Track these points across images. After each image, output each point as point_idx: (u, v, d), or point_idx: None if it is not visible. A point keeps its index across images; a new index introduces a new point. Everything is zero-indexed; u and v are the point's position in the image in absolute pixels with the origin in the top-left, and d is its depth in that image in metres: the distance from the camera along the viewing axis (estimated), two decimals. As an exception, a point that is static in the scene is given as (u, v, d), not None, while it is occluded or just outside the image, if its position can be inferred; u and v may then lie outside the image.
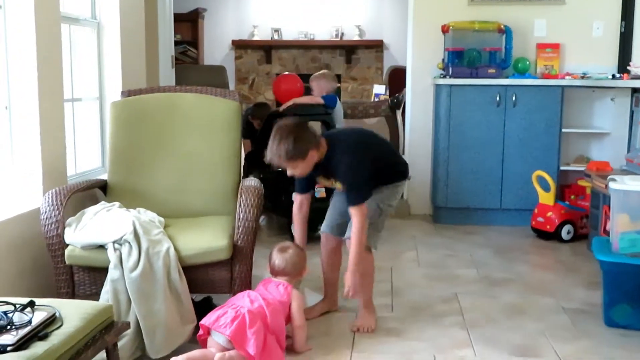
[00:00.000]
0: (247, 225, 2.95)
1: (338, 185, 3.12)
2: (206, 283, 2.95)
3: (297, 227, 3.29)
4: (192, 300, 2.91)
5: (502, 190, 5.24)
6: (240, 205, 2.98)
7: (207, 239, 2.92)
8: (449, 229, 5.23)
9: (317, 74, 5.26)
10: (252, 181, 3.21)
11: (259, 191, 3.06)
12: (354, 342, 3.02)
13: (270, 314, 2.78)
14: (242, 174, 3.55)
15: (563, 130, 5.19)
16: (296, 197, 3.29)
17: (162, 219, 3.09)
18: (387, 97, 7.15)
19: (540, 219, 4.93)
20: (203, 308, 3.12)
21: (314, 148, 2.98)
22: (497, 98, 5.14)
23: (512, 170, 5.20)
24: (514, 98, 5.13)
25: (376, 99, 7.36)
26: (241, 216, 2.96)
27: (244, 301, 2.80)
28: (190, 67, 9.30)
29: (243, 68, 10.63)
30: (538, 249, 4.76)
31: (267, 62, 10.54)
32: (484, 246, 4.73)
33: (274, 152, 2.94)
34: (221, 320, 2.69)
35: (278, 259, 3.04)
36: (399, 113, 6.32)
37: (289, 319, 2.93)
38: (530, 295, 3.70)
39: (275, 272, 3.04)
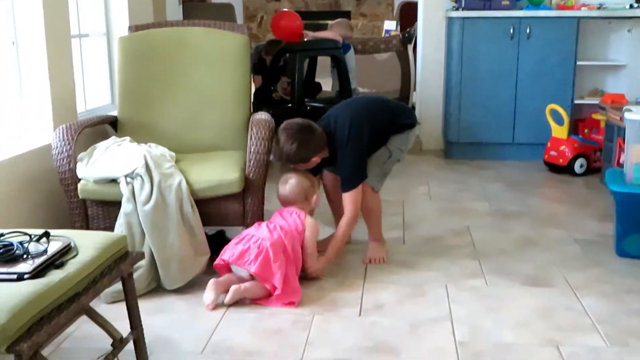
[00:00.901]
0: (258, 159, 2.96)
1: None
2: (219, 216, 2.97)
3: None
4: (205, 233, 2.94)
5: (514, 125, 5.20)
6: (251, 139, 2.98)
7: (219, 173, 2.93)
8: (461, 164, 5.22)
9: (335, 21, 5.34)
10: (262, 115, 3.20)
11: (269, 124, 3.06)
12: (366, 274, 3.05)
13: (289, 243, 2.82)
14: (252, 109, 3.54)
15: (578, 63, 5.11)
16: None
17: (173, 154, 3.10)
18: (398, 33, 7.05)
19: (553, 152, 4.91)
20: (216, 241, 3.16)
21: (317, 153, 3.01)
22: (511, 30, 5.05)
23: (525, 104, 5.15)
24: (528, 30, 5.05)
25: (387, 35, 7.27)
26: (252, 149, 2.97)
27: (262, 232, 2.82)
28: (198, 5, 9.17)
29: (251, 6, 10.51)
30: (550, 182, 4.76)
31: (275, -1, 10.41)
32: (496, 180, 4.73)
33: (278, 152, 2.99)
34: (245, 257, 2.73)
35: (281, 189, 3.07)
36: (410, 48, 6.24)
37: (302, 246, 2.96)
38: (542, 227, 3.72)
39: (283, 203, 3.07)
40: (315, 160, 3.03)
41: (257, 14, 10.56)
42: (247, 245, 2.77)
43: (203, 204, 2.89)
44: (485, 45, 5.11)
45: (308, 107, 4.86)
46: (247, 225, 2.97)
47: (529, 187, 4.58)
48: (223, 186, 2.90)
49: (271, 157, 3.03)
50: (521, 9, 5.17)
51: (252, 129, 3.02)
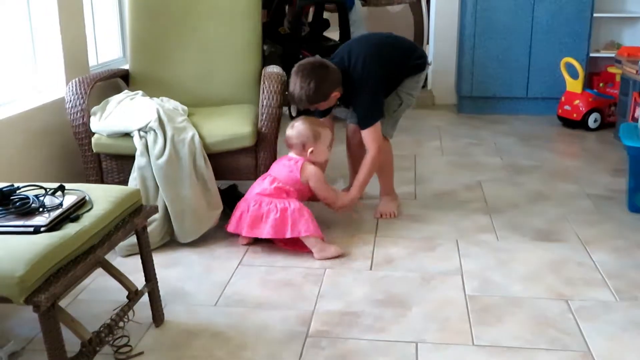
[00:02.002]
0: (270, 112, 2.96)
1: None
2: (231, 170, 2.99)
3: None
4: (218, 187, 2.96)
5: (529, 78, 5.16)
6: (263, 92, 2.98)
7: (231, 126, 2.94)
8: (473, 118, 5.20)
9: None
10: (274, 68, 3.19)
11: (281, 77, 3.05)
12: (378, 227, 3.08)
13: (288, 190, 2.85)
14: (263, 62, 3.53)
15: (594, 14, 5.05)
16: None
17: (185, 108, 3.10)
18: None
19: (567, 107, 4.88)
20: (229, 195, 3.18)
21: (336, 88, 2.94)
22: (527, -18, 4.98)
23: (540, 57, 5.10)
24: (544, -19, 4.97)
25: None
26: (264, 103, 2.96)
27: (263, 185, 2.86)
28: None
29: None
30: (564, 137, 4.74)
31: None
32: (509, 135, 4.71)
33: (296, 95, 2.90)
34: (256, 225, 2.77)
35: (287, 131, 3.02)
36: (424, 2, 6.16)
37: (312, 194, 2.97)
38: (554, 182, 3.72)
39: (288, 144, 3.02)
40: (335, 95, 2.95)
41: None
42: (253, 213, 2.79)
43: (216, 157, 2.91)
44: (500, -2, 5.05)
45: (300, 55, 4.91)
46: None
47: (542, 141, 4.57)
48: (235, 140, 2.91)
49: (291, 107, 3.00)
50: (538, -41, 5.09)
51: (264, 83, 3.01)
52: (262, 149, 2.98)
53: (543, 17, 5.04)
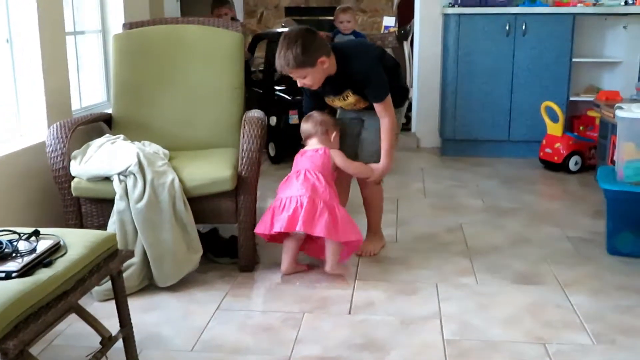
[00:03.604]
0: (251, 156, 2.97)
1: (349, 99, 3.08)
2: (212, 214, 2.98)
3: None
4: (198, 230, 2.95)
5: (510, 122, 5.21)
6: (243, 137, 2.99)
7: (212, 170, 2.94)
8: (456, 160, 5.24)
9: (347, 6, 5.36)
10: (255, 112, 3.21)
11: (262, 122, 3.07)
12: (358, 270, 3.07)
13: (323, 184, 2.92)
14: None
15: (574, 59, 5.12)
16: None
17: (166, 151, 3.10)
18: (396, 29, 7.05)
19: (548, 150, 4.92)
20: (209, 239, 3.18)
21: (324, 55, 2.90)
22: (507, 27, 5.06)
23: (521, 101, 5.16)
24: (523, 27, 5.05)
25: (385, 32, 7.27)
26: (245, 147, 2.97)
27: (294, 189, 2.91)
28: (197, 0, 9.16)
29: (251, 1, 10.48)
30: (545, 179, 4.77)
31: (275, -6, 10.41)
32: (491, 177, 4.75)
33: (281, 60, 2.89)
34: (294, 222, 2.84)
35: (303, 125, 3.12)
36: (406, 45, 6.25)
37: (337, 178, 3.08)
38: (535, 224, 3.73)
39: (305, 137, 3.11)
40: (323, 61, 2.89)
41: (257, 9, 10.53)
42: (290, 209, 2.86)
43: (196, 201, 2.90)
44: (481, 42, 5.12)
45: (276, 97, 5.07)
46: (239, 222, 2.98)
47: (524, 184, 4.59)
48: (216, 184, 2.91)
49: (277, 68, 2.97)
50: (517, 5, 5.18)
51: (244, 127, 3.03)
52: (243, 192, 2.98)
53: (524, 61, 5.11)
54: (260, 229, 2.95)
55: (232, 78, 3.49)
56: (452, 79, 5.21)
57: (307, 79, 2.94)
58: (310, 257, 3.12)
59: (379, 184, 3.24)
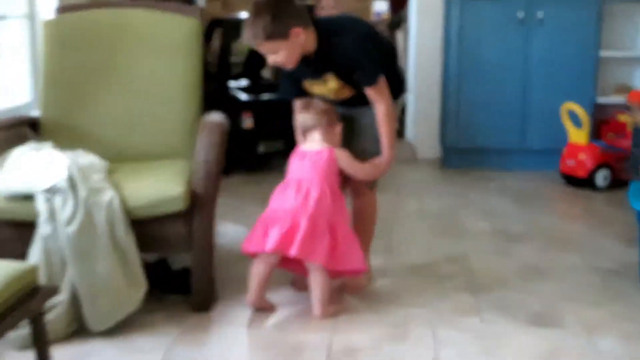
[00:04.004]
0: (208, 169, 2.93)
1: (331, 84, 3.05)
2: (159, 240, 2.94)
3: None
4: (143, 261, 2.90)
5: (524, 128, 5.23)
6: (200, 145, 2.95)
7: (160, 187, 2.90)
8: (460, 174, 5.24)
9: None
10: (215, 116, 3.18)
11: (223, 127, 3.04)
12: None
13: (327, 198, 2.94)
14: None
15: (601, 53, 5.15)
16: (295, 104, 3.24)
17: (105, 163, 3.07)
18: (388, 16, 7.07)
19: (570, 162, 4.91)
20: (156, 271, 3.14)
21: (299, 25, 2.87)
22: (520, 14, 5.08)
23: (538, 102, 5.18)
24: (540, 14, 5.07)
25: (377, 18, 7.28)
26: (201, 158, 2.93)
27: (290, 202, 2.91)
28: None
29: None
30: (567, 197, 4.78)
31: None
32: (501, 194, 4.75)
33: (248, 30, 2.86)
34: (287, 240, 2.85)
35: (301, 116, 3.09)
36: (399, 35, 6.26)
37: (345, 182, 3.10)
38: (553, 252, 3.72)
39: (303, 131, 3.08)
40: (298, 33, 2.85)
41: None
42: (285, 226, 2.85)
43: (140, 225, 2.86)
44: (490, 32, 5.16)
45: (229, 94, 5.20)
46: (193, 251, 2.93)
47: (541, 203, 4.60)
48: (165, 203, 2.86)
49: (244, 40, 2.93)
50: (533, -10, 5.20)
51: (201, 133, 2.99)
52: (197, 214, 2.93)
53: (541, 55, 5.13)
54: (251, 246, 2.94)
55: (187, 73, 3.47)
56: (454, 76, 5.22)
57: (280, 55, 2.90)
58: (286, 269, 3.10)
59: (372, 190, 3.23)
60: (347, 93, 3.09)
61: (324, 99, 3.11)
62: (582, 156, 4.86)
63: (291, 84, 3.18)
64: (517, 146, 5.28)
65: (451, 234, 4.00)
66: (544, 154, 5.25)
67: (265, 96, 5.38)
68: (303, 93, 3.17)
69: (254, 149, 5.14)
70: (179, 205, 2.87)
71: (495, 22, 5.14)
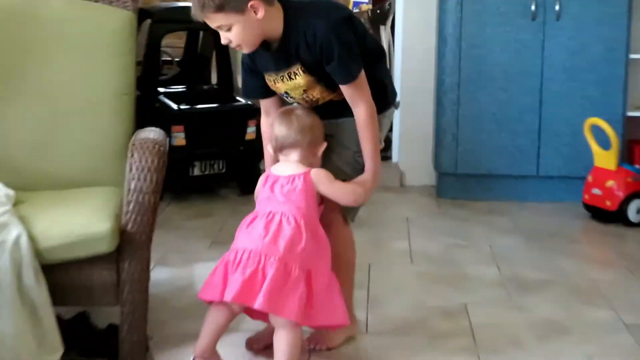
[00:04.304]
0: (140, 200, 2.91)
1: (298, 80, 3.05)
2: (79, 290, 2.92)
3: (268, 158, 3.27)
4: (59, 316, 2.88)
5: (539, 148, 5.26)
6: (130, 170, 2.94)
7: (80, 222, 2.88)
8: (459, 206, 5.27)
9: None
10: (150, 132, 3.16)
11: (160, 148, 3.02)
12: (307, 378, 3.03)
13: (305, 238, 2.91)
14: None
15: (631, 56, 5.21)
16: (262, 106, 3.26)
17: (11, 192, 3.05)
18: (370, 6, 7.10)
19: (596, 190, 4.95)
20: (75, 329, 3.11)
21: None
22: (533, 7, 5.13)
23: (555, 117, 5.23)
24: (557, 7, 5.13)
25: (355, 10, 7.32)
26: (132, 186, 2.92)
27: (256, 242, 2.89)
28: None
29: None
30: (593, 235, 4.83)
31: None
32: (510, 232, 4.78)
33: (197, 0, 2.87)
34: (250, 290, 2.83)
35: (279, 128, 3.05)
36: (384, 31, 6.29)
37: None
38: (576, 305, 3.75)
39: (280, 148, 3.05)
40: (255, 6, 2.87)
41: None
42: (248, 270, 2.84)
43: (55, 270, 2.83)
44: (495, 30, 5.21)
45: (157, 103, 5.30)
46: (121, 303, 2.91)
47: (560, 242, 4.63)
48: (86, 243, 2.84)
49: (192, 13, 2.93)
50: (548, -26, 5.26)
51: (132, 155, 2.98)
52: (128, 257, 2.92)
53: (558, 58, 5.18)
54: (208, 294, 2.94)
55: (116, 79, 3.48)
56: (451, 84, 5.25)
57: (233, 32, 2.93)
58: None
59: (347, 224, 3.23)
60: (318, 94, 3.10)
61: (309, 101, 3.13)
62: (611, 184, 4.90)
63: (254, 79, 3.19)
64: (531, 172, 5.31)
65: (448, 282, 4.01)
66: (563, 181, 5.30)
67: (203, 106, 5.43)
68: (272, 92, 3.18)
69: (186, 171, 5.15)
70: (105, 246, 2.85)
71: (503, 17, 5.18)
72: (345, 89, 3.02)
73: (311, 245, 2.92)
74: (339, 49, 2.95)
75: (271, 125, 3.16)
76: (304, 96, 3.11)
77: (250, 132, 5.32)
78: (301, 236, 2.91)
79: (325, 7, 3.06)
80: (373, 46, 3.24)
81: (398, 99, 3.38)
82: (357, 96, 3.02)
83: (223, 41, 2.97)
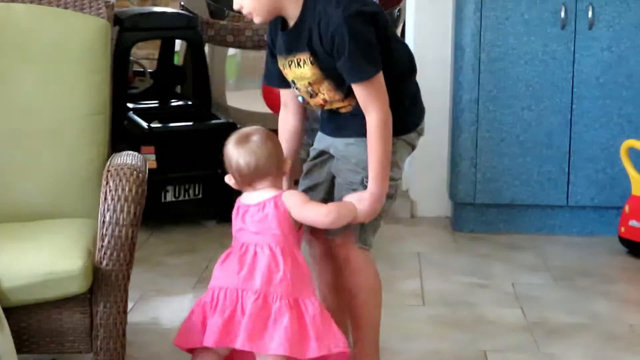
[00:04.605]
0: (117, 234, 2.94)
1: (304, 70, 3.08)
2: (48, 336, 2.95)
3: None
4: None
5: (569, 174, 5.25)
6: (105, 199, 2.97)
7: (48, 259, 2.91)
8: (477, 240, 5.27)
9: None
10: (127, 157, 3.19)
11: (138, 174, 3.05)
12: None
13: (283, 269, 2.95)
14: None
15: (676, 69, 5.23)
16: (281, 96, 3.32)
17: (-31, 225, 3.08)
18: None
19: (634, 222, 4.96)
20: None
21: None
22: (562, 13, 5.15)
23: (587, 138, 5.22)
24: (590, 13, 5.14)
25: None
26: (107, 218, 2.95)
27: (231, 279, 2.94)
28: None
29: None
30: (630, 273, 4.83)
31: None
32: (536, 269, 4.79)
33: None
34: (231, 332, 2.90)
35: (242, 155, 3.03)
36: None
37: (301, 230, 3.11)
38: (612, 353, 3.76)
39: (247, 180, 3.06)
40: None
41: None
42: (226, 311, 2.90)
43: (20, 314, 2.87)
44: (519, 40, 5.20)
45: (125, 121, 5.34)
46: (95, 351, 2.93)
47: (594, 281, 4.63)
48: (55, 283, 2.87)
49: None
50: (579, -23, 5.29)
51: (107, 183, 3.00)
52: (102, 298, 2.95)
53: (591, 72, 5.18)
54: (186, 341, 2.99)
55: (88, 96, 3.52)
56: (470, 102, 5.26)
57: (246, 2, 3.02)
58: None
59: (364, 247, 3.23)
60: (323, 91, 3.11)
61: (314, 99, 3.16)
62: (651, 215, 4.93)
63: (275, 65, 3.22)
64: (560, 202, 5.30)
65: (465, 327, 4.02)
66: (597, 212, 5.30)
67: (177, 124, 5.48)
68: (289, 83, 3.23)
69: (157, 197, 5.17)
70: (77, 286, 2.88)
71: (528, 25, 5.18)
72: (357, 90, 3.02)
73: (292, 272, 2.96)
74: (352, 43, 2.96)
75: (284, 120, 3.27)
76: (309, 89, 3.12)
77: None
78: (278, 265, 2.95)
79: (346, 24, 3.00)
80: (400, 56, 3.20)
81: (422, 124, 3.35)
82: (369, 100, 3.01)
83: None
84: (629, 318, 4.24)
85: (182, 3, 6.69)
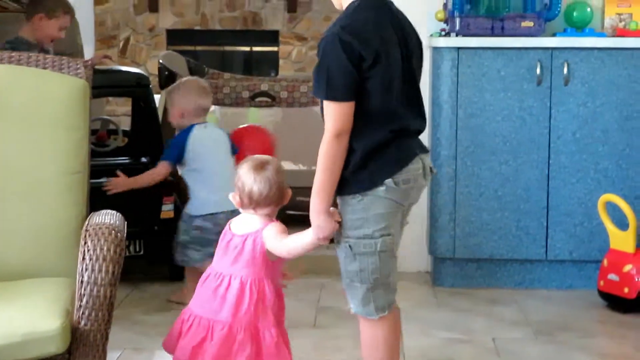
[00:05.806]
0: (95, 293, 2.92)
1: None
2: (25, 396, 2.92)
3: None
4: None
5: (547, 229, 5.27)
6: (83, 259, 2.96)
7: (25, 319, 2.89)
8: (457, 295, 5.28)
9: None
10: (105, 216, 3.19)
11: (117, 233, 3.04)
12: None
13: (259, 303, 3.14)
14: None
15: (651, 123, 5.25)
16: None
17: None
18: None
19: (612, 276, 4.96)
20: None
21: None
22: (538, 70, 5.19)
23: (565, 193, 5.25)
24: (565, 70, 5.19)
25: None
26: (85, 277, 2.93)
27: (203, 305, 3.15)
28: (14, 18, 9.19)
29: (109, 20, 10.61)
30: (609, 327, 4.83)
31: (150, 9, 10.55)
32: (516, 324, 4.79)
33: None
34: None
35: (257, 182, 3.18)
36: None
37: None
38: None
39: (252, 204, 3.19)
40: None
41: (118, 33, 10.66)
42: (198, 336, 3.15)
43: (-4, 374, 2.84)
44: (496, 96, 5.25)
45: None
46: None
47: (573, 336, 4.63)
48: (32, 344, 2.83)
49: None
50: (553, 34, 5.33)
51: (85, 242, 2.99)
52: (81, 358, 2.93)
53: (568, 127, 5.21)
54: (169, 346, 3.27)
55: (66, 156, 3.51)
56: (448, 157, 5.29)
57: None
58: None
59: (371, 321, 3.30)
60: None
61: None
62: (629, 268, 4.90)
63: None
64: (539, 256, 5.32)
65: (446, 383, 4.01)
66: (575, 266, 5.32)
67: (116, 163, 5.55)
68: None
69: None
70: (55, 347, 2.85)
71: (504, 82, 5.22)
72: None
73: (257, 304, 3.14)
74: (320, 60, 3.07)
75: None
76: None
77: (167, 210, 5.36)
78: (243, 298, 3.13)
79: (349, 18, 3.12)
80: (372, 102, 3.12)
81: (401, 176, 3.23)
82: (326, 115, 3.07)
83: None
84: (608, 373, 4.24)
85: (161, 60, 6.70)
